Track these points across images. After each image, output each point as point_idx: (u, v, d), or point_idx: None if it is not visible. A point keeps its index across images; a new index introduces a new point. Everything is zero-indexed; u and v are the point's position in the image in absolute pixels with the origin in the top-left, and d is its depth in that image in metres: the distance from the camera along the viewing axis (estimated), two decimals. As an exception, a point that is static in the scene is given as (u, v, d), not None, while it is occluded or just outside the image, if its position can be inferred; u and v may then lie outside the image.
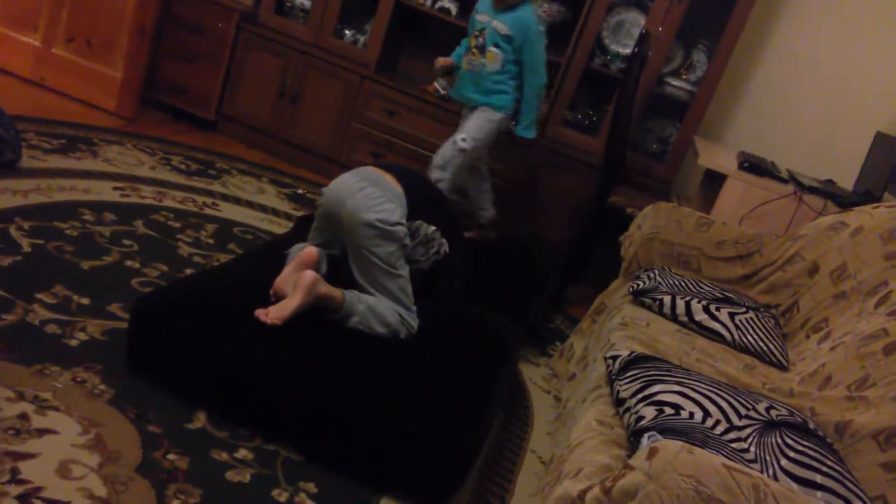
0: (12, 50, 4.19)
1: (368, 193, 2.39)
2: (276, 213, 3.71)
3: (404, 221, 2.41)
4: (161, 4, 4.20)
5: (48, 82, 4.20)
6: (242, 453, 2.05)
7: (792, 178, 3.41)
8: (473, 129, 3.43)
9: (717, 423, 1.71)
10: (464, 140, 3.39)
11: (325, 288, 2.33)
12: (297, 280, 2.31)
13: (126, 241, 2.91)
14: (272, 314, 2.25)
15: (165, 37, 4.36)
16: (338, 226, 2.44)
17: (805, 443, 1.74)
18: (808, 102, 4.04)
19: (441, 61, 3.60)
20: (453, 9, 4.18)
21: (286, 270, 2.39)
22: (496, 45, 3.36)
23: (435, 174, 3.40)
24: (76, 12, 4.12)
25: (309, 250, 2.41)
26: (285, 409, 2.11)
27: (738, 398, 1.81)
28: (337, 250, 2.54)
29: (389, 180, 2.48)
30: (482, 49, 3.39)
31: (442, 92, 4.21)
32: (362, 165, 2.64)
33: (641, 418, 1.71)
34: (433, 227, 2.51)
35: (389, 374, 2.24)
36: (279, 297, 2.36)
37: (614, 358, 2.02)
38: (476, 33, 3.41)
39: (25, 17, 4.16)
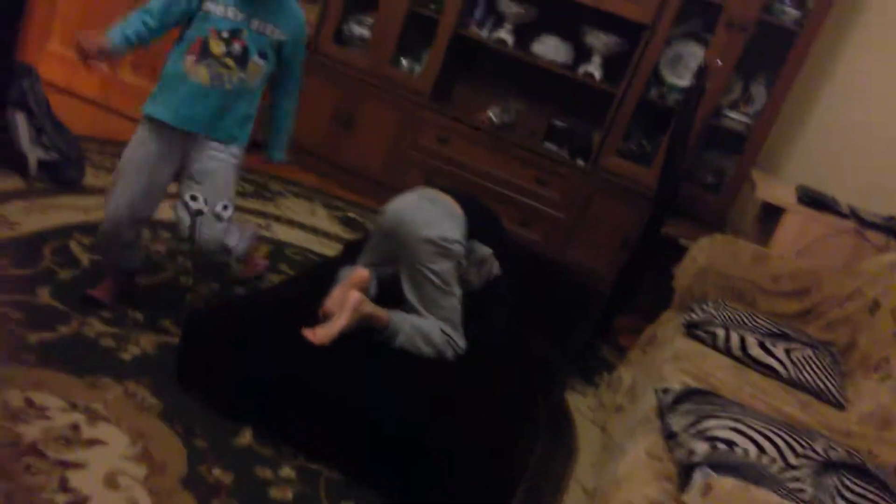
0: (81, 74, 4.34)
1: (429, 211, 2.42)
2: (327, 235, 3.75)
3: (463, 241, 2.43)
4: (224, 31, 4.31)
5: (113, 105, 4.33)
6: (286, 471, 2.05)
7: (853, 214, 3.31)
8: (229, 189, 2.52)
9: (773, 461, 1.65)
10: (225, 208, 2.46)
11: (371, 308, 2.34)
12: (344, 300, 2.32)
13: (180, 259, 2.96)
14: (319, 334, 2.26)
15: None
16: (395, 242, 2.45)
17: (864, 485, 1.67)
18: (870, 136, 3.93)
19: (91, 41, 2.23)
20: (509, 39, 4.20)
21: (336, 291, 2.40)
22: (261, 55, 2.42)
23: (221, 259, 2.54)
24: (143, 38, 4.26)
25: (359, 272, 2.42)
26: (329, 428, 2.10)
27: (794, 436, 1.74)
28: (389, 269, 2.55)
29: (449, 201, 2.51)
30: (242, 60, 2.38)
31: (495, 121, 4.22)
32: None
33: (694, 453, 1.66)
34: (489, 250, 2.52)
35: (433, 397, 2.22)
36: (329, 318, 2.37)
37: (666, 390, 1.98)
38: (224, 36, 2.34)
39: (95, 41, 4.32)
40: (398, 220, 2.43)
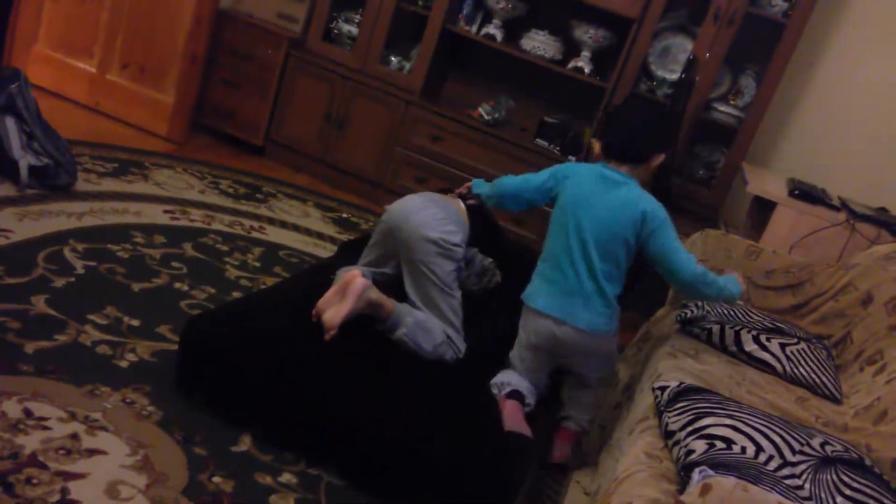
0: (69, 76, 4.32)
1: (433, 213, 2.44)
2: (321, 236, 3.74)
3: (463, 245, 2.44)
4: (212, 32, 4.30)
5: (102, 107, 4.31)
6: (286, 477, 2.05)
7: (844, 206, 3.34)
8: None
9: (771, 458, 1.66)
10: None
11: (376, 294, 2.35)
12: (347, 287, 2.32)
13: (175, 264, 2.96)
14: (326, 324, 2.27)
15: (216, 63, 4.45)
16: (397, 241, 2.46)
17: (861, 480, 1.69)
18: (859, 128, 3.96)
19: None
20: (498, 35, 4.20)
21: (329, 292, 2.40)
22: None
23: None
24: (131, 40, 4.23)
25: (353, 273, 2.43)
26: (329, 433, 2.11)
27: (791, 433, 1.76)
28: (389, 269, 2.55)
29: (454, 205, 2.53)
30: None
31: (486, 117, 4.22)
32: (406, 190, 2.67)
33: (692, 452, 1.67)
34: (490, 259, 2.53)
35: (434, 401, 2.23)
36: (321, 319, 2.37)
37: (662, 389, 1.99)
38: None
39: (82, 44, 4.29)
40: (402, 218, 2.44)
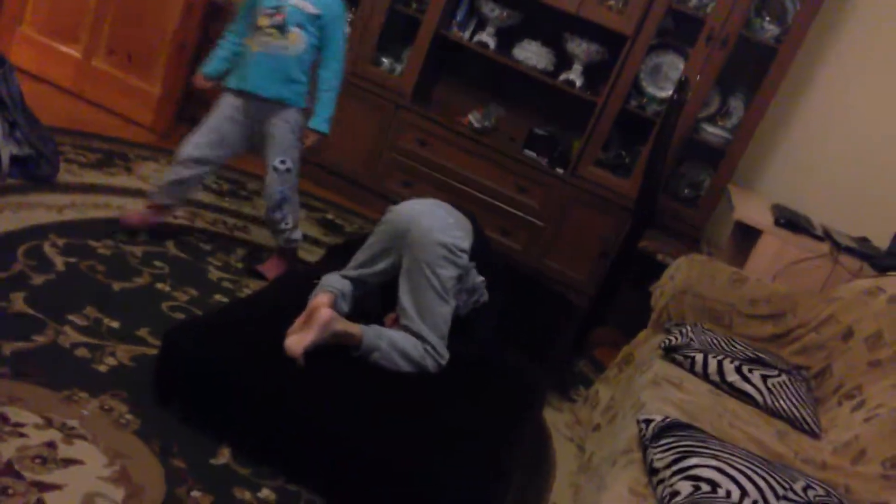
0: (54, 61, 4.23)
1: (444, 217, 2.45)
2: (305, 237, 3.70)
3: (468, 254, 2.44)
4: (202, 22, 4.23)
5: (87, 94, 4.23)
6: (265, 493, 2.03)
7: (827, 236, 3.37)
8: (285, 145, 3.04)
9: (755, 503, 1.67)
10: (283, 162, 3.04)
11: (343, 325, 2.29)
12: (312, 316, 2.27)
13: (157, 263, 2.91)
14: (288, 352, 2.21)
15: (205, 54, 4.37)
16: (404, 241, 2.42)
17: (840, 524, 1.71)
18: (844, 156, 4.00)
19: (199, 83, 3.21)
20: (491, 43, 4.18)
21: (297, 320, 2.31)
22: (300, 26, 2.92)
23: (276, 216, 3.10)
24: (119, 26, 4.15)
25: (318, 301, 2.35)
26: (308, 448, 2.09)
27: (775, 476, 1.77)
28: (379, 266, 2.50)
29: (460, 215, 2.55)
30: (282, 29, 2.91)
31: (476, 125, 4.21)
32: (392, 193, 2.64)
33: (677, 493, 1.68)
34: (481, 278, 2.52)
35: (413, 418, 2.22)
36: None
37: (647, 422, 1.99)
38: (269, 12, 2.91)
39: (68, 28, 4.20)
40: (414, 220, 2.42)
